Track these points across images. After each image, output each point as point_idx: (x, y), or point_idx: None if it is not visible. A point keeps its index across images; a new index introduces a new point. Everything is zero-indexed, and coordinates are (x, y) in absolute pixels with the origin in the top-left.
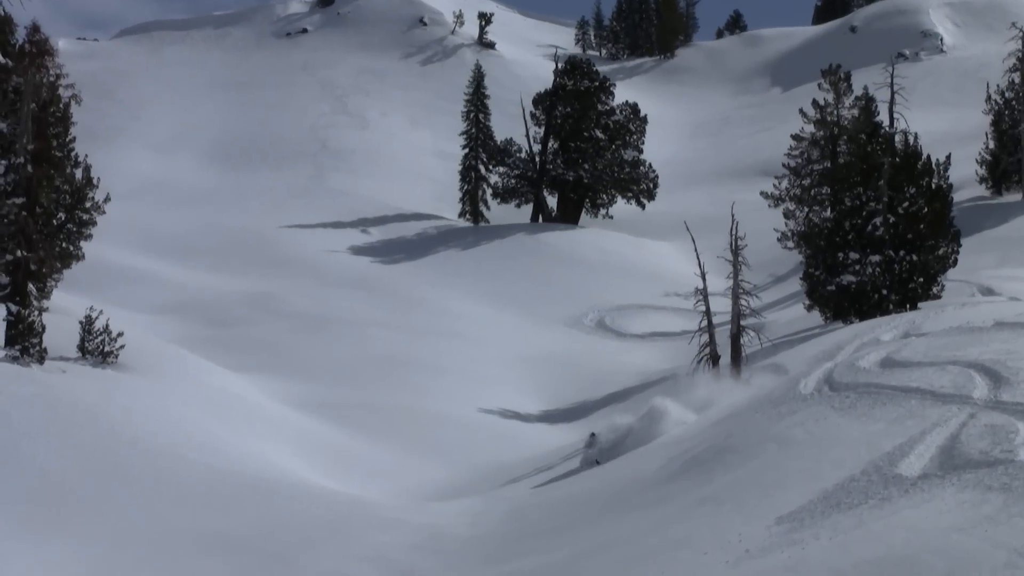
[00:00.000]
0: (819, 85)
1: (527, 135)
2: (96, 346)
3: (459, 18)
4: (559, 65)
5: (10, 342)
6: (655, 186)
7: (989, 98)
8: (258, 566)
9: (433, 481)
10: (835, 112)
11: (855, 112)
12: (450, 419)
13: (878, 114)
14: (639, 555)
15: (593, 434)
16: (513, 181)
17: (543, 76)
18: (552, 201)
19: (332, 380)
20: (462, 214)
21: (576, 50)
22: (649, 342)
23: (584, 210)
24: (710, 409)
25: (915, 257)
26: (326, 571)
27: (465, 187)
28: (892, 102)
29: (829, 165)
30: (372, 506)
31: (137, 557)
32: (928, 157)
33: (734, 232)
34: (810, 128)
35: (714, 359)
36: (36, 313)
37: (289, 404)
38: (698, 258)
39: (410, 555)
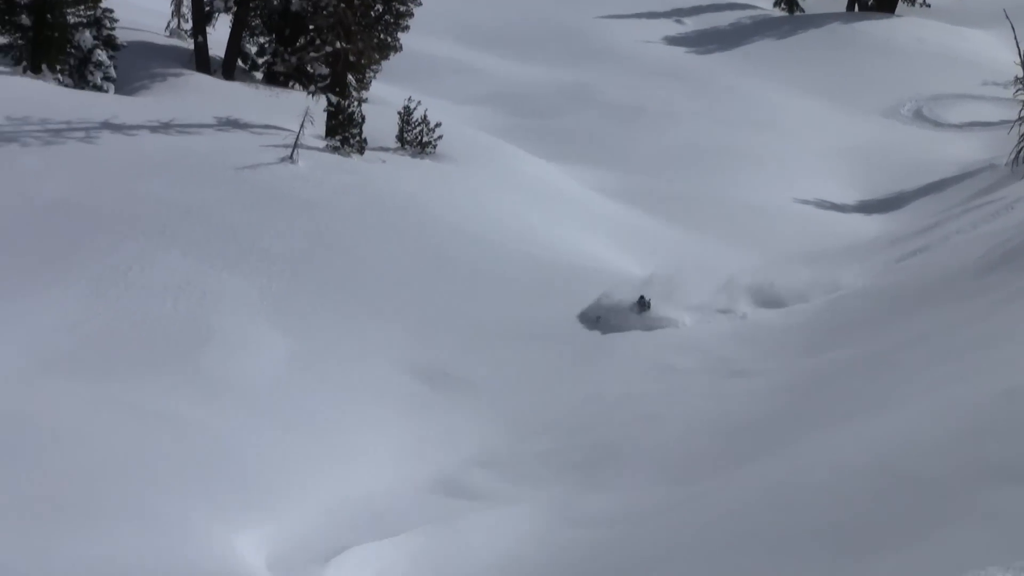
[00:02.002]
0: None
1: None
2: (414, 137)
3: None
4: None
5: (330, 132)
6: None
7: None
8: (571, 355)
9: (749, 270)
10: None
11: None
12: (764, 208)
13: None
14: (954, 348)
15: (643, 298)
16: None
17: None
18: None
19: (646, 169)
20: (777, 3)
21: None
22: (967, 132)
23: None
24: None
25: None
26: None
27: None
28: None
29: None
30: None
31: (457, 345)
32: None
33: None
34: None
35: None
36: (355, 104)
37: (603, 193)
38: (1018, 46)
39: (723, 343)
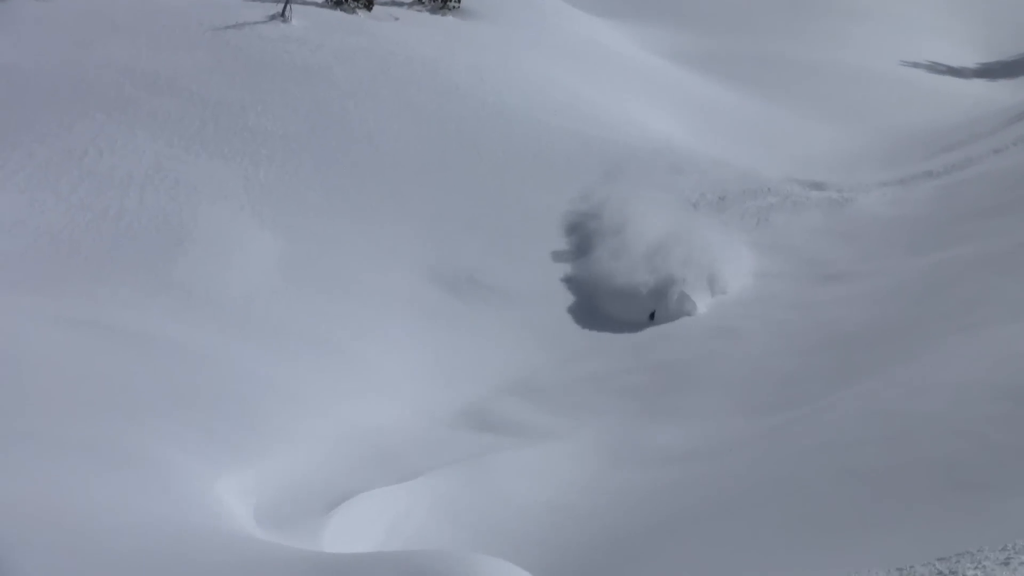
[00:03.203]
0: None
1: None
2: None
3: None
4: None
5: None
6: None
7: None
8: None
9: (845, 151)
10: None
11: None
12: (865, 74)
13: None
14: None
15: (654, 314)
16: None
17: None
18: None
19: (721, 27)
20: None
21: None
22: None
23: None
24: None
25: None
26: None
27: None
28: None
29: None
30: (775, 182)
31: (487, 246)
32: None
33: None
34: None
35: None
36: None
37: (667, 56)
38: None
39: (814, 241)
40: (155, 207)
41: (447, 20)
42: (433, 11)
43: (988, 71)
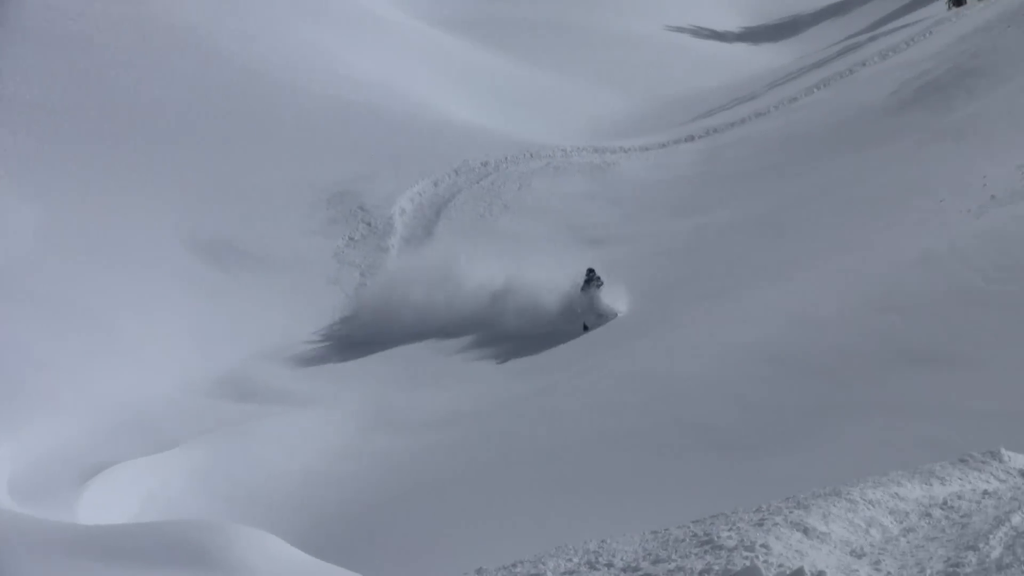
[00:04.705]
0: None
1: None
2: None
3: None
4: None
5: None
6: None
7: None
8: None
9: (610, 115)
10: None
11: None
12: (630, 38)
13: None
14: (861, 202)
15: (591, 272)
16: None
17: None
18: None
19: None
20: None
21: None
22: None
23: None
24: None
25: None
26: None
27: None
28: None
29: None
30: (537, 147)
31: (249, 212)
32: None
33: None
34: None
35: None
36: None
37: (433, 22)
38: None
39: (576, 204)
40: None
41: None
42: None
43: (751, 35)
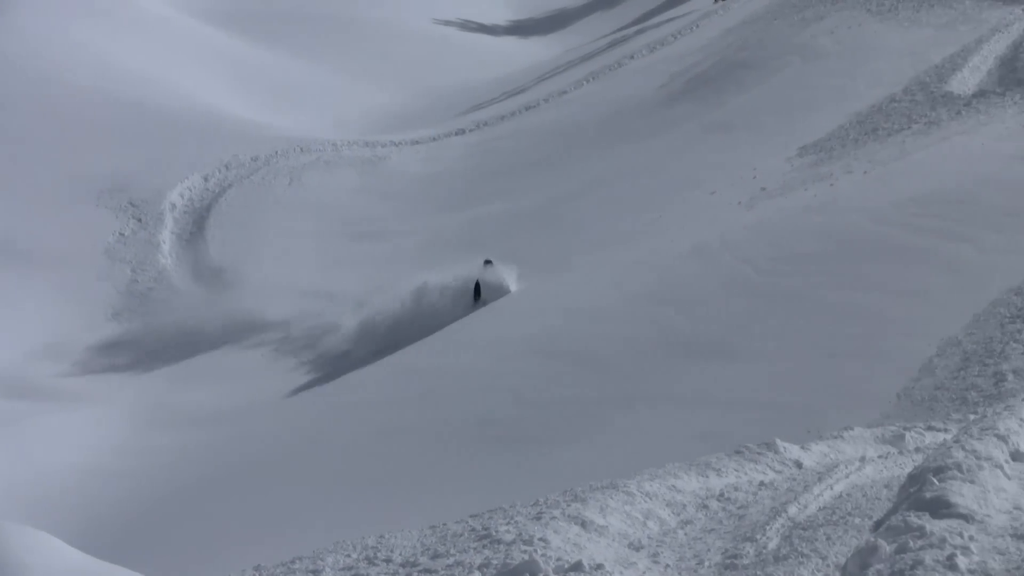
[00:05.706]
0: None
1: None
2: None
3: None
4: None
5: None
6: None
7: None
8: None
9: (381, 108)
10: None
11: None
12: (399, 31)
13: None
14: (634, 195)
15: (489, 261)
16: None
17: None
18: None
19: None
20: None
21: None
22: None
23: None
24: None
25: None
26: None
27: None
28: None
29: None
30: (307, 142)
31: (14, 205)
32: None
33: None
34: None
35: None
36: None
37: (202, 16)
38: None
39: (348, 199)
40: None
41: None
42: None
43: (519, 28)
